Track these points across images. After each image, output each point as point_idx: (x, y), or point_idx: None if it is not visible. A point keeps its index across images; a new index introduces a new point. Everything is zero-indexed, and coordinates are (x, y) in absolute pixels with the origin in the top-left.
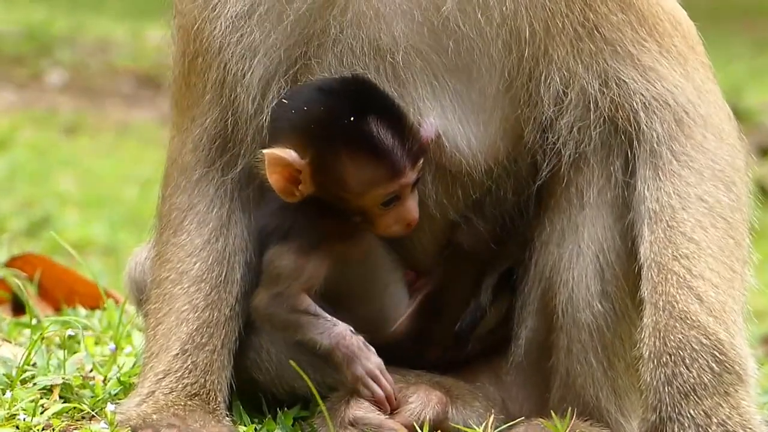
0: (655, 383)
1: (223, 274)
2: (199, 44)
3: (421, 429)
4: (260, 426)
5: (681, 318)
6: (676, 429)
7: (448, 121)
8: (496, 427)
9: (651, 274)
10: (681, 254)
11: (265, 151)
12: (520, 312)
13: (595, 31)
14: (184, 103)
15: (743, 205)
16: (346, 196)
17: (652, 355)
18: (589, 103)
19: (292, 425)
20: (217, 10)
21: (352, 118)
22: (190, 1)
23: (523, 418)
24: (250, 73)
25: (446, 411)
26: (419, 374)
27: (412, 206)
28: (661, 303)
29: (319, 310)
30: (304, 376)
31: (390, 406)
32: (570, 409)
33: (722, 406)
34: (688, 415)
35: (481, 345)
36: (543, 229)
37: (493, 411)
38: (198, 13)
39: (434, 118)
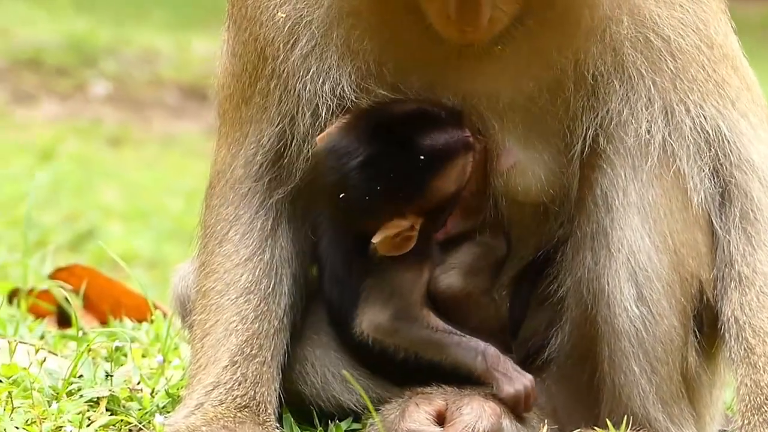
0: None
1: (271, 285)
2: (270, 68)
3: None
4: None
5: None
6: None
7: (526, 153)
8: None
9: (745, 335)
10: None
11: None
12: (558, 321)
13: (720, 88)
14: (237, 117)
15: None
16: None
17: (752, 407)
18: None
19: None
20: (299, 39)
21: None
22: (269, 20)
23: (579, 430)
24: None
25: (500, 422)
26: (473, 386)
27: None
28: (760, 364)
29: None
30: (358, 387)
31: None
32: (625, 418)
33: None
34: None
35: (524, 351)
36: (573, 235)
37: (546, 422)
38: (275, 35)
39: (514, 148)
